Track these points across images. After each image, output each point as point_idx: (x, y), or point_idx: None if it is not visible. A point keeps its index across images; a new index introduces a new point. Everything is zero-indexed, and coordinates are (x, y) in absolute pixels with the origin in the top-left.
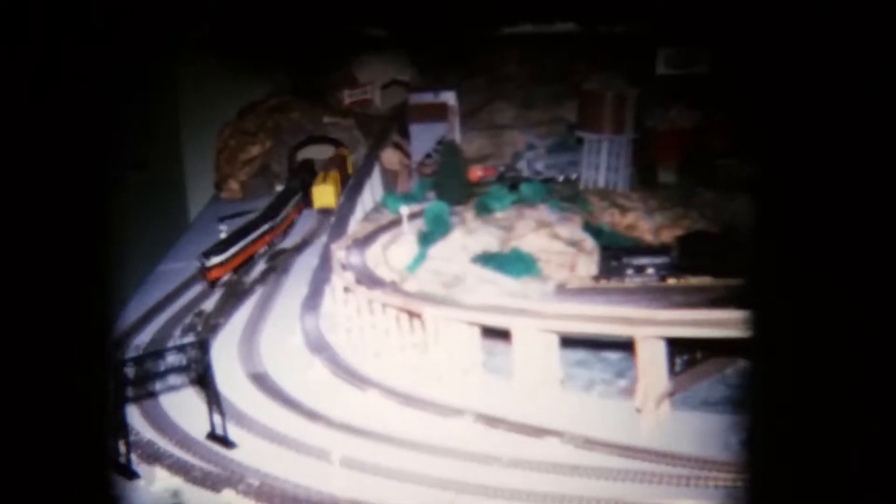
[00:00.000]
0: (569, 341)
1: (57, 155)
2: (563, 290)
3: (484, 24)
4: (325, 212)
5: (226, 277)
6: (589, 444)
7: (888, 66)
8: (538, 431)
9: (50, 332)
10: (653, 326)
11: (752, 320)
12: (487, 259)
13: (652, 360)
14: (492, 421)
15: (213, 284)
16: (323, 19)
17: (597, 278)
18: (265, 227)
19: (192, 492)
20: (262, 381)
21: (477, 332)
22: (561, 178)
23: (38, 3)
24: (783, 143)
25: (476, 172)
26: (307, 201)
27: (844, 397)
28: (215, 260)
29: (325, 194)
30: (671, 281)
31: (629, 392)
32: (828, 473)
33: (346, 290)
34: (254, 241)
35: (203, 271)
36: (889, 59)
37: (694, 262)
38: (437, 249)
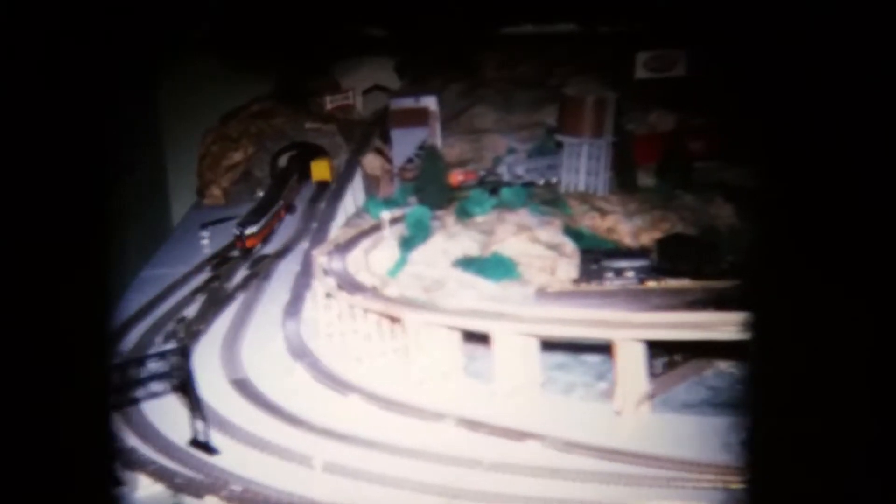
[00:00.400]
0: (549, 345)
1: (54, 155)
2: (543, 293)
3: (465, 26)
4: (322, 185)
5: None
6: (569, 447)
7: (887, 65)
8: (519, 435)
9: (48, 332)
10: (631, 329)
11: (752, 321)
12: (468, 263)
13: (631, 362)
14: (473, 425)
15: (248, 252)
16: (304, 23)
17: (577, 282)
18: (279, 202)
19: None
20: (244, 387)
21: (457, 336)
22: (541, 182)
23: (23, 6)
24: (781, 144)
25: (457, 177)
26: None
27: (844, 397)
28: (252, 229)
29: (321, 169)
30: (651, 284)
31: (609, 395)
32: (827, 474)
33: (328, 295)
34: (275, 214)
35: (240, 240)
36: (886, 57)
37: (673, 265)
38: (419, 254)
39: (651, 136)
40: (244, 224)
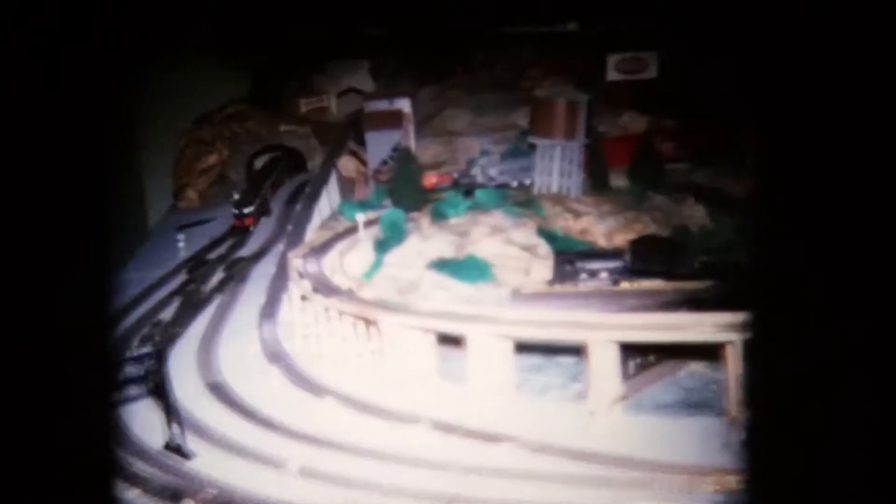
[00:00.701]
0: (523, 346)
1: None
2: (517, 295)
3: (442, 28)
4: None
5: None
6: (543, 448)
7: (887, 64)
8: (493, 437)
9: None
10: (604, 331)
11: (752, 322)
12: (443, 265)
13: (604, 364)
14: (447, 427)
15: (246, 230)
16: (279, 24)
17: (551, 283)
18: (269, 182)
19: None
20: (219, 391)
21: (432, 338)
22: (515, 184)
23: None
24: (781, 143)
25: (431, 179)
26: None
27: (844, 398)
28: (249, 209)
29: None
30: (624, 285)
31: (583, 396)
32: (827, 474)
33: (303, 298)
34: (266, 195)
35: (240, 219)
36: (886, 57)
37: (646, 266)
38: (394, 256)
39: (622, 137)
40: (241, 204)
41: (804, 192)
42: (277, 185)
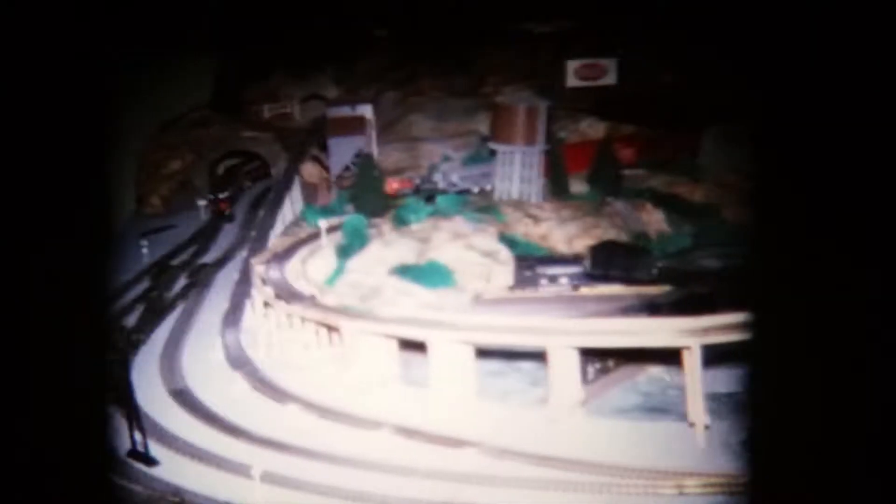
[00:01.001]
0: (484, 352)
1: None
2: (479, 300)
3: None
4: None
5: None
6: (505, 453)
7: (888, 64)
8: (455, 442)
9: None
10: (564, 336)
11: (753, 322)
12: (404, 271)
13: (564, 369)
14: (409, 433)
15: (223, 215)
16: (242, 30)
17: (512, 288)
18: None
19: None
20: (183, 398)
21: (394, 344)
22: (476, 190)
23: None
24: (780, 143)
25: (392, 185)
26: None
27: (843, 397)
28: (224, 194)
29: None
30: (584, 290)
31: (544, 401)
32: (827, 475)
33: (266, 304)
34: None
35: (217, 203)
36: (886, 56)
37: (605, 272)
38: (356, 262)
39: (582, 143)
40: (216, 190)
41: (803, 193)
42: (256, 177)
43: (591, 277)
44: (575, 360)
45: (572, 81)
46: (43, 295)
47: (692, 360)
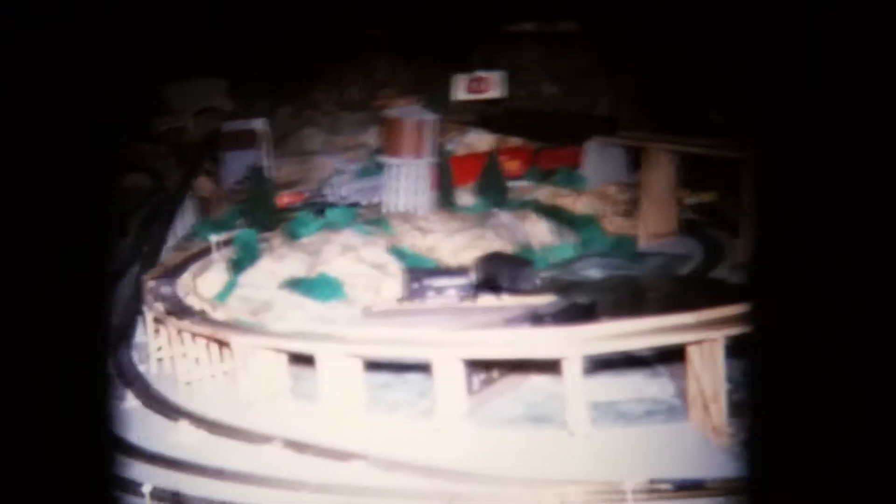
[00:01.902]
0: (372, 364)
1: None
2: (368, 312)
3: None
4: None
5: None
6: (393, 465)
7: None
8: (345, 455)
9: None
10: (449, 347)
11: (752, 321)
12: (295, 284)
13: (449, 380)
14: (299, 446)
15: None
16: (133, 40)
17: (401, 300)
18: None
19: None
20: None
21: (284, 358)
22: (364, 203)
23: None
24: (780, 142)
25: (283, 199)
26: None
27: (843, 397)
28: None
29: None
30: (470, 302)
31: (431, 412)
32: (826, 475)
33: (157, 321)
34: None
35: None
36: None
37: (491, 283)
38: (247, 276)
39: (469, 155)
40: None
41: (801, 195)
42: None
43: (478, 289)
44: (460, 371)
45: (459, 94)
46: None
47: (572, 369)
